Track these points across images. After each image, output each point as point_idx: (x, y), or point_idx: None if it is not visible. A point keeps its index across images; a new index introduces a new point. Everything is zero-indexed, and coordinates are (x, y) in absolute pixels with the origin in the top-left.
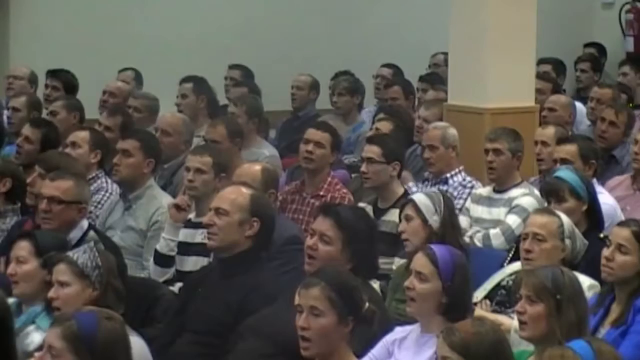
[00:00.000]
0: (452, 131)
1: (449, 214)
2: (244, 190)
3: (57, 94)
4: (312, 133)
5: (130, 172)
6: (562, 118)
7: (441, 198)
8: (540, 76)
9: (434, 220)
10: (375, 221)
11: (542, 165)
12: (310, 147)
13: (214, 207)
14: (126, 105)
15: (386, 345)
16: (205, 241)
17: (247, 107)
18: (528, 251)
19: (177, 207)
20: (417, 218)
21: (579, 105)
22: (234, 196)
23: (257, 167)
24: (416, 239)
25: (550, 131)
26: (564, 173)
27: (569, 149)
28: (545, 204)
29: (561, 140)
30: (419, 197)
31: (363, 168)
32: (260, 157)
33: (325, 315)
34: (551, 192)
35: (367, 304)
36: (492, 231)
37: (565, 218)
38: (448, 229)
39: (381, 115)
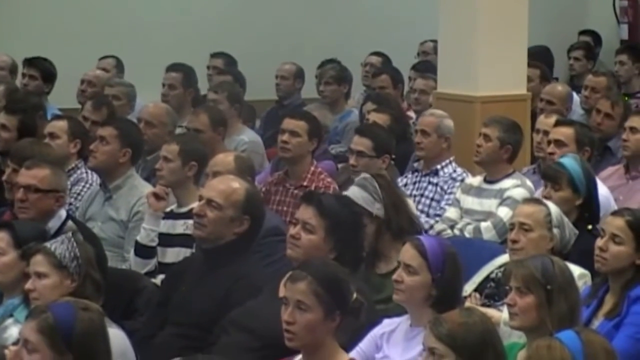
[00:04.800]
0: (448, 122)
1: (388, 194)
2: (239, 184)
3: (34, 83)
4: (287, 122)
5: (105, 159)
6: (559, 111)
7: (374, 182)
8: (527, 63)
9: (378, 208)
10: (359, 210)
11: (540, 153)
12: (285, 136)
13: (206, 197)
14: (104, 95)
15: (374, 339)
16: (188, 232)
17: (228, 93)
18: (514, 241)
19: (156, 195)
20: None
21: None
22: (229, 191)
23: (230, 157)
24: (369, 235)
25: (552, 121)
26: (568, 161)
27: (565, 131)
28: (537, 194)
29: (559, 122)
30: (354, 192)
31: (352, 161)
32: (239, 143)
33: (312, 310)
34: (549, 177)
35: (354, 295)
36: (483, 224)
37: (553, 207)
38: (392, 212)
39: (373, 106)
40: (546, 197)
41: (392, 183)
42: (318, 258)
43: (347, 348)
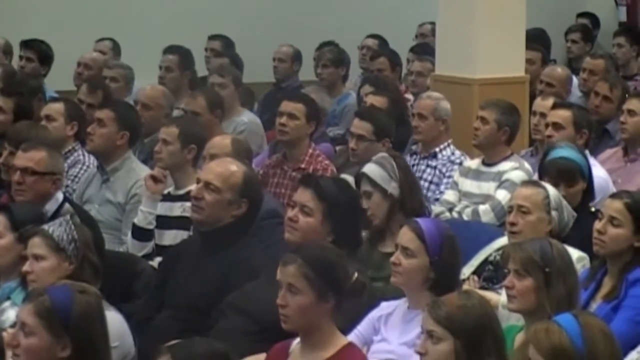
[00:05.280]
0: (445, 104)
1: (405, 175)
2: (237, 167)
3: (31, 65)
4: (284, 105)
5: (103, 142)
6: (559, 94)
7: (392, 162)
8: (528, 46)
9: (393, 187)
10: (357, 192)
11: (537, 135)
12: (283, 119)
13: (204, 180)
14: (102, 76)
15: (372, 322)
16: (185, 214)
17: (233, 76)
18: (512, 224)
19: (154, 178)
20: (376, 192)
21: None
22: (227, 174)
23: (227, 139)
24: (381, 211)
25: (550, 103)
26: (569, 152)
27: (563, 114)
28: (535, 177)
29: (556, 105)
30: (372, 169)
31: (352, 145)
32: (238, 125)
33: (303, 293)
34: (565, 175)
35: (355, 275)
36: (482, 207)
37: (552, 190)
38: (407, 193)
39: (370, 89)
40: (565, 196)
41: (409, 166)
42: (313, 241)
43: (348, 329)
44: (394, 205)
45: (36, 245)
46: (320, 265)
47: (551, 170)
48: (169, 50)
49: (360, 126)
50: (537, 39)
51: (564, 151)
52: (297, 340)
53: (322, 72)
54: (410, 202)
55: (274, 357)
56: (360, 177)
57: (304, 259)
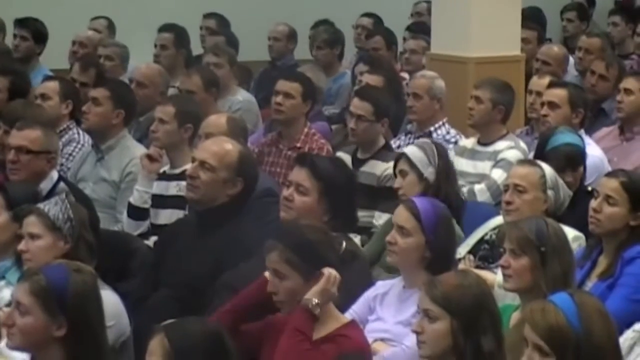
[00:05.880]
0: (440, 83)
1: (444, 163)
2: (232, 146)
3: (26, 44)
4: (280, 84)
5: (98, 121)
6: (555, 72)
7: (434, 148)
8: (524, 25)
9: (430, 172)
10: (354, 172)
11: (533, 114)
12: (279, 98)
13: (199, 159)
14: (97, 55)
15: (367, 302)
16: (180, 193)
17: (228, 56)
18: (509, 202)
19: (150, 157)
20: (412, 173)
21: None
22: (222, 152)
23: (223, 118)
24: (413, 193)
25: (545, 82)
26: (572, 138)
27: (559, 93)
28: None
29: (552, 84)
30: (412, 151)
31: (352, 125)
32: (233, 103)
33: (289, 277)
34: (570, 161)
35: (343, 246)
36: (477, 186)
37: (548, 169)
38: (443, 180)
39: (365, 68)
40: (569, 182)
41: (448, 154)
42: (292, 223)
43: (346, 301)
44: (428, 190)
45: (32, 224)
46: (301, 247)
47: (558, 157)
48: (164, 28)
49: (360, 106)
50: (533, 18)
51: (567, 137)
52: None
53: (317, 54)
54: (445, 189)
55: (269, 329)
56: (399, 156)
57: (285, 243)
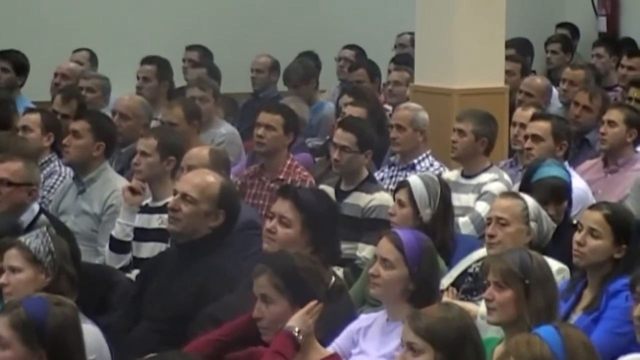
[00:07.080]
0: (423, 114)
1: (444, 206)
2: (214, 178)
3: (7, 76)
4: (262, 116)
5: (79, 153)
6: (538, 104)
7: (438, 189)
8: (508, 57)
9: (426, 214)
10: (337, 203)
11: (517, 146)
12: (261, 130)
13: (181, 191)
14: (79, 87)
15: (351, 335)
16: (163, 226)
17: (213, 89)
18: (491, 236)
19: (132, 190)
20: (409, 206)
21: None
22: (204, 185)
23: (205, 150)
24: (404, 226)
25: (529, 113)
26: (558, 171)
27: (542, 125)
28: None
29: (536, 116)
30: (416, 184)
31: (335, 155)
32: (216, 136)
33: (275, 302)
34: (555, 195)
35: (333, 280)
36: (461, 219)
37: (530, 201)
38: (439, 223)
39: (349, 99)
40: (552, 215)
41: (450, 198)
42: (282, 251)
43: (328, 338)
44: (420, 228)
45: (12, 257)
46: (289, 273)
47: (542, 190)
48: (147, 60)
49: (343, 137)
50: (521, 49)
51: (553, 169)
52: None
53: (294, 92)
54: (441, 232)
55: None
56: (402, 184)
57: (273, 268)
